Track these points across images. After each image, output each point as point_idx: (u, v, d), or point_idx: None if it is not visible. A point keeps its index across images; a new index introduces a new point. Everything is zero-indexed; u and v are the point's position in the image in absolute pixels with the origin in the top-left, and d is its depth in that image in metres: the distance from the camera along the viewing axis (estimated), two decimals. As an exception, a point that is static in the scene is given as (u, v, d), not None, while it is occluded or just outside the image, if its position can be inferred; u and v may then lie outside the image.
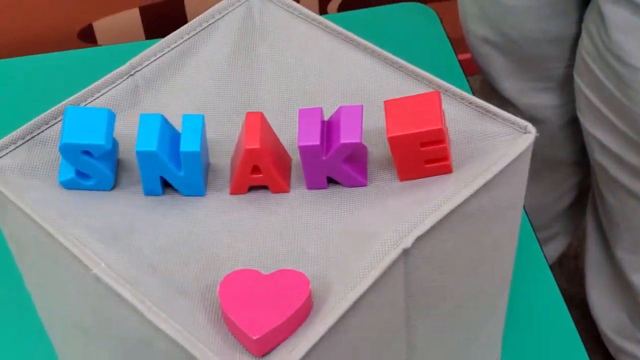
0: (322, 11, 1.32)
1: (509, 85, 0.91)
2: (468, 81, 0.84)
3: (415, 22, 0.91)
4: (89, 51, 0.97)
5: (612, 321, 0.98)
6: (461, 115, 0.49)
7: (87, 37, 1.29)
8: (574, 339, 0.65)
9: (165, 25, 1.31)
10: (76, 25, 1.27)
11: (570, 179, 1.01)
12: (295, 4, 0.56)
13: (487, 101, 0.49)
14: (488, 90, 0.97)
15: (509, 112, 0.48)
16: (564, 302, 0.66)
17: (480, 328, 0.55)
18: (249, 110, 0.52)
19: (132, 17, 1.29)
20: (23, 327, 0.67)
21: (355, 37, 0.54)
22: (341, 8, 1.31)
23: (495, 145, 0.48)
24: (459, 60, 0.87)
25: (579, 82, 0.82)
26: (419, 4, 0.95)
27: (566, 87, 0.89)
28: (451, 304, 0.49)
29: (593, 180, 0.91)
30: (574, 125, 0.92)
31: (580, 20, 0.81)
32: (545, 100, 0.91)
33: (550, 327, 0.66)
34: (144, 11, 1.29)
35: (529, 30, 0.83)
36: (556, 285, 0.68)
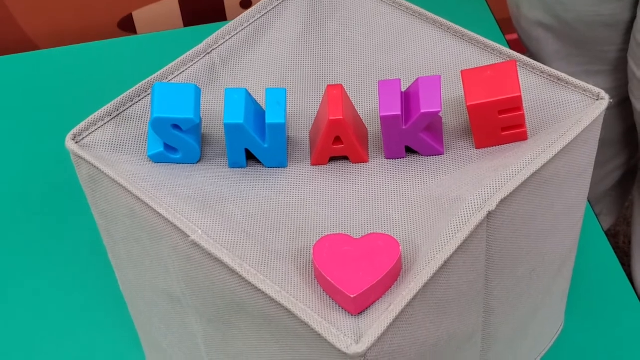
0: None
1: (560, 68, 0.92)
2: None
3: (462, 4, 0.93)
4: (130, 39, 0.99)
5: None
6: (534, 84, 0.51)
7: (127, 26, 1.31)
8: (636, 309, 0.66)
9: (204, 13, 1.32)
10: (116, 15, 1.29)
11: (616, 159, 1.02)
12: (361, -19, 0.57)
13: None
14: None
15: None
16: (624, 273, 0.68)
17: (548, 294, 0.57)
18: (323, 85, 0.54)
19: (171, 6, 1.31)
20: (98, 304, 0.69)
21: (424, 11, 0.55)
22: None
23: (569, 113, 0.49)
24: (507, 41, 0.88)
25: (633, 65, 0.83)
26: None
27: (619, 69, 0.89)
28: (525, 267, 0.51)
29: None
30: (623, 105, 0.93)
31: (635, 3, 0.82)
32: (597, 83, 0.92)
33: (610, 296, 0.67)
34: (182, 0, 1.30)
35: (584, 13, 0.84)
36: (616, 257, 0.69)
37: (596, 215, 0.72)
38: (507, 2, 0.93)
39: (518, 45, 1.49)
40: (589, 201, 0.73)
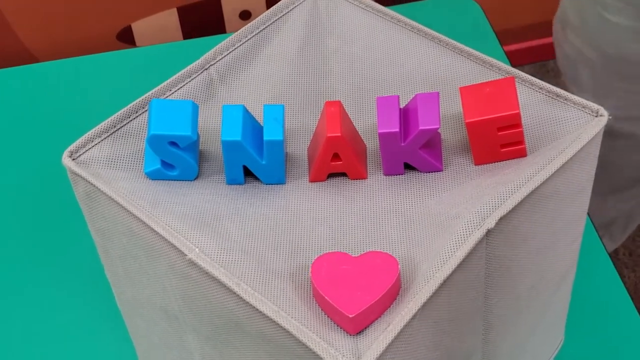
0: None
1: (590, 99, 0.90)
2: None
3: (460, 16, 0.93)
4: (129, 52, 0.99)
5: None
6: (532, 100, 0.50)
7: (126, 38, 1.32)
8: (637, 323, 0.66)
9: (203, 25, 1.33)
10: (115, 27, 1.29)
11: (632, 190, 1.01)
12: (360, -4, 0.57)
13: None
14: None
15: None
16: (624, 287, 0.67)
17: (547, 310, 0.56)
18: (322, 100, 0.53)
19: (170, 18, 1.31)
20: (97, 319, 0.69)
21: (422, 27, 0.55)
22: (381, 3, 1.32)
23: (568, 129, 0.49)
24: (505, 52, 0.88)
25: None
26: (461, -3, 0.96)
27: None
28: (525, 283, 0.51)
29: None
30: None
31: None
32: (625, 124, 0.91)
33: (611, 313, 0.67)
34: (181, 12, 1.30)
35: (627, 49, 0.83)
36: (616, 272, 0.69)
37: (596, 230, 0.72)
38: (554, 20, 0.92)
39: (516, 57, 1.49)
40: (590, 217, 0.73)
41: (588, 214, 0.73)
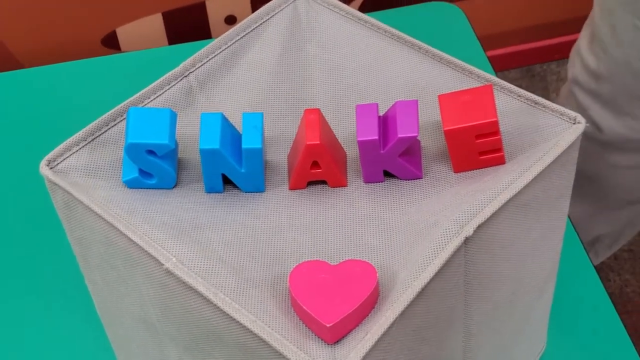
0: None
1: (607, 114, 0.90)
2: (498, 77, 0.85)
3: (442, 21, 0.93)
4: (113, 58, 0.99)
5: None
6: (511, 107, 0.50)
7: (111, 43, 1.31)
8: (619, 332, 0.66)
9: (188, 30, 1.32)
10: (100, 32, 1.29)
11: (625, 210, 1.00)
12: (340, 3, 0.57)
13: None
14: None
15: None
16: (606, 292, 0.68)
17: (529, 316, 0.57)
18: (302, 108, 0.53)
19: (155, 22, 1.31)
20: (79, 328, 0.69)
21: (402, 34, 0.55)
22: (363, 7, 1.32)
23: (546, 136, 0.49)
24: (487, 57, 0.88)
25: None
26: (444, 3, 0.97)
27: None
28: (505, 290, 0.51)
29: None
30: None
31: None
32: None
33: (592, 315, 0.67)
34: (167, 17, 1.30)
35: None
36: (598, 276, 0.69)
37: (579, 237, 0.72)
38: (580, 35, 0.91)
39: (502, 62, 1.49)
40: (574, 226, 0.73)
41: (572, 221, 0.73)
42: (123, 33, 1.31)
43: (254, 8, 1.29)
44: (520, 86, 1.53)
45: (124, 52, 1.33)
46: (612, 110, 0.87)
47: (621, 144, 0.89)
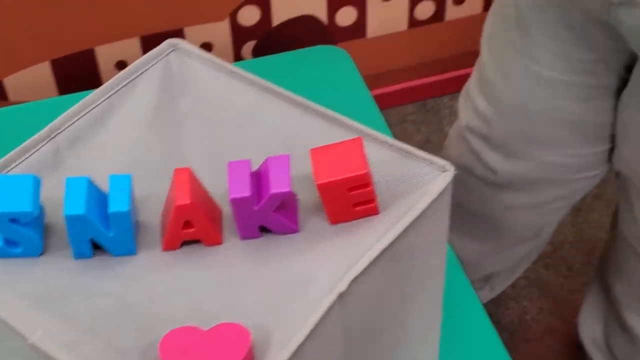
0: (237, 55, 1.33)
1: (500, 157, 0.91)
2: (383, 114, 0.86)
3: (328, 64, 0.94)
4: (1, 111, 0.96)
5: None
6: (382, 158, 0.51)
7: (-3, 94, 1.27)
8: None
9: (78, 78, 1.29)
10: (-15, 82, 1.25)
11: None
12: (213, 57, 0.57)
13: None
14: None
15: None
16: (497, 334, 0.68)
17: (416, 359, 0.57)
18: (175, 165, 0.52)
19: (43, 71, 1.28)
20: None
21: (275, 87, 0.55)
22: (255, 52, 1.33)
23: (417, 185, 0.50)
24: (373, 96, 0.89)
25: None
26: (330, 46, 0.98)
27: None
28: (388, 338, 0.51)
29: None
30: None
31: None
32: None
33: (482, 354, 0.68)
34: (55, 64, 1.27)
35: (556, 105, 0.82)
36: (485, 313, 0.70)
37: (465, 273, 0.73)
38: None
39: (394, 98, 1.52)
40: (463, 265, 0.74)
41: (466, 260, 0.73)
42: (11, 83, 1.27)
43: (145, 52, 1.28)
44: (415, 121, 1.57)
45: (12, 102, 1.29)
46: (504, 153, 0.88)
47: (515, 184, 0.91)
